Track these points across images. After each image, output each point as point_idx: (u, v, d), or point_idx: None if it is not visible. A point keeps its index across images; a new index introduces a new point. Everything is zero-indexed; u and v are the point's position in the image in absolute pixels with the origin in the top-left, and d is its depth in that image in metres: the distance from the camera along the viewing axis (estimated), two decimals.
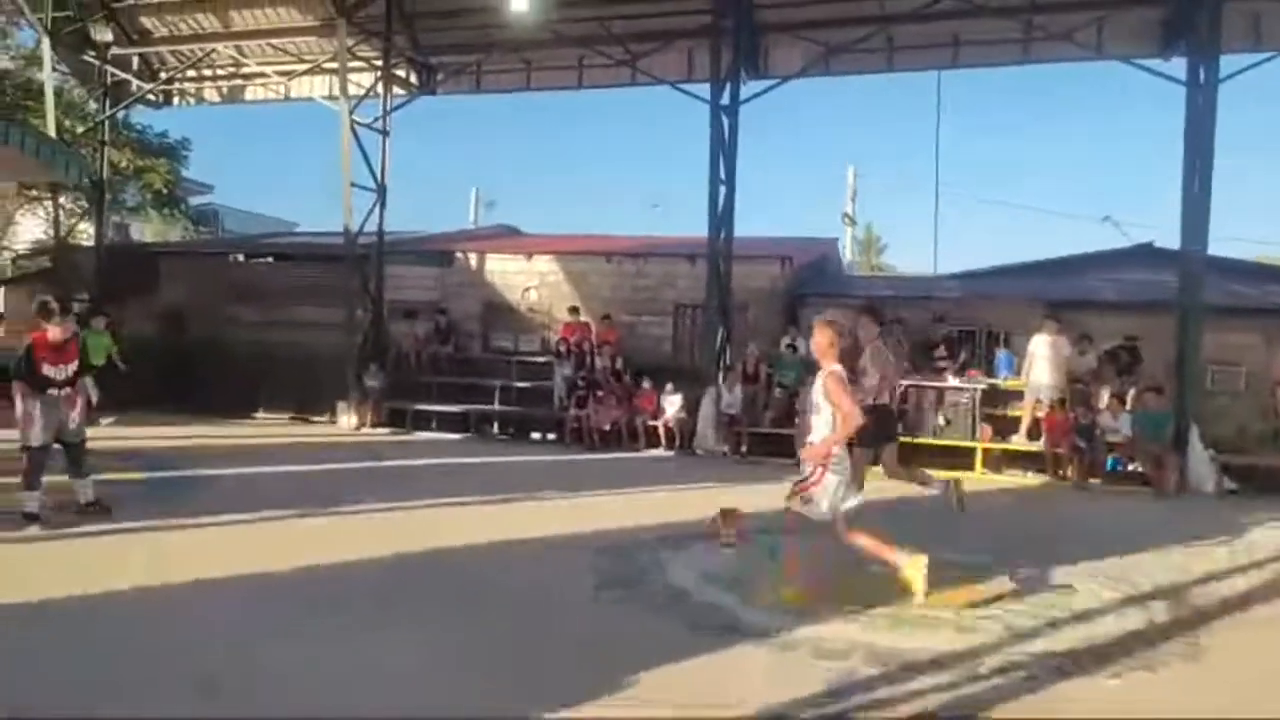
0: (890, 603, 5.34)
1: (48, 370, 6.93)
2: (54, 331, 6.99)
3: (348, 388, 15.93)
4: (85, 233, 21.20)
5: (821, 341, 5.52)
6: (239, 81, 19.48)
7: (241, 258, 19.61)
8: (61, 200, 20.64)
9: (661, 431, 13.75)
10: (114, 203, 22.16)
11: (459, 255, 18.01)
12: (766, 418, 13.42)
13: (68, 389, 7.07)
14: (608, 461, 12.65)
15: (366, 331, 16.41)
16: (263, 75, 19.00)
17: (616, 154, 69.56)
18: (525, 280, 17.51)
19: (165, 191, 23.52)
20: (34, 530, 6.73)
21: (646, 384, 14.26)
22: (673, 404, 13.84)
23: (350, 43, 17.31)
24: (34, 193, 22.28)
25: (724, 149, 14.26)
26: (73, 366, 7.13)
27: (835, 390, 5.34)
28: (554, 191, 66.81)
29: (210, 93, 19.81)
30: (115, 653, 4.43)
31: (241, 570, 5.89)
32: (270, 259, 19.37)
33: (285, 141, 66.69)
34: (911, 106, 60.34)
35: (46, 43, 17.50)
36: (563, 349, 15.48)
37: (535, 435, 15.74)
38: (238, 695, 3.98)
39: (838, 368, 5.49)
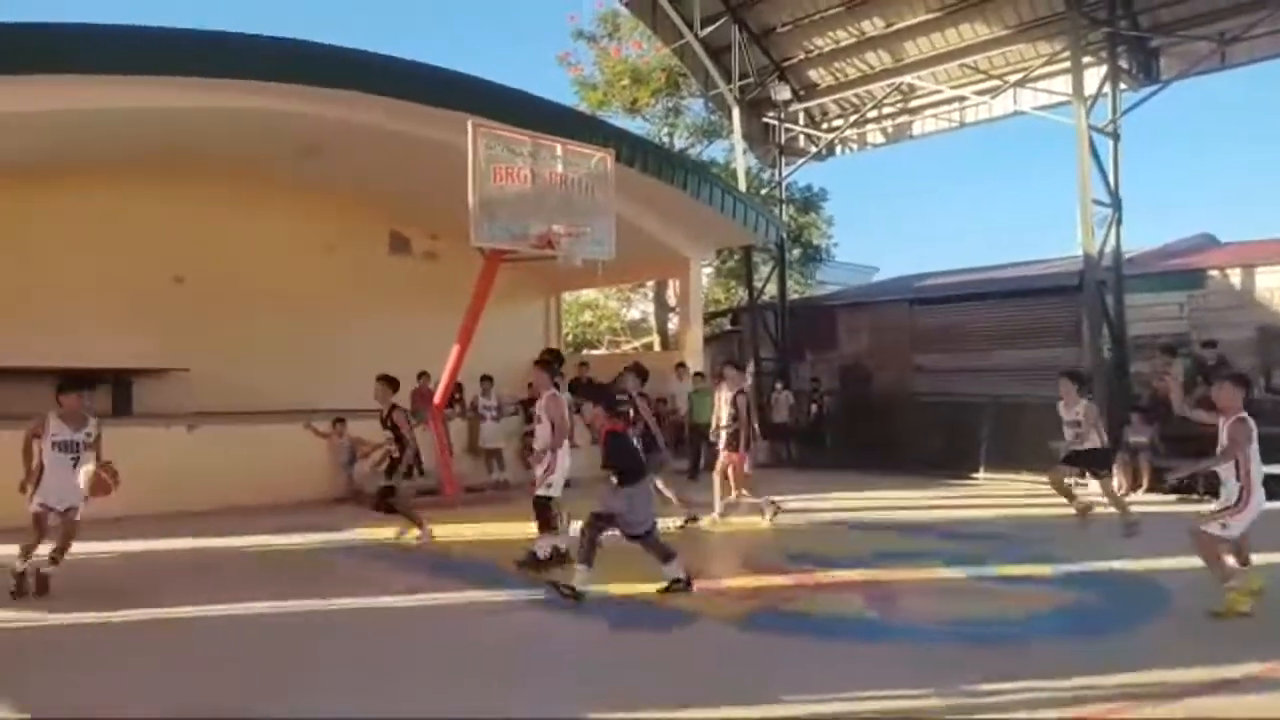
0: None
1: None
2: None
3: None
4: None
5: None
6: (905, 118, 18.40)
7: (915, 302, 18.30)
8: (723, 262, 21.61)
9: None
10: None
11: (1212, 274, 14.42)
12: None
13: None
14: None
15: (1110, 375, 13.62)
16: (934, 106, 17.72)
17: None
18: None
19: (817, 246, 23.52)
20: None
21: None
22: None
23: (1052, 45, 15.11)
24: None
25: None
26: None
27: None
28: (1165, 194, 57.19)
29: (874, 135, 19.03)
30: None
31: None
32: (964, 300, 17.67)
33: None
34: None
35: (736, 112, 18.07)
36: None
37: None
38: None
39: None
